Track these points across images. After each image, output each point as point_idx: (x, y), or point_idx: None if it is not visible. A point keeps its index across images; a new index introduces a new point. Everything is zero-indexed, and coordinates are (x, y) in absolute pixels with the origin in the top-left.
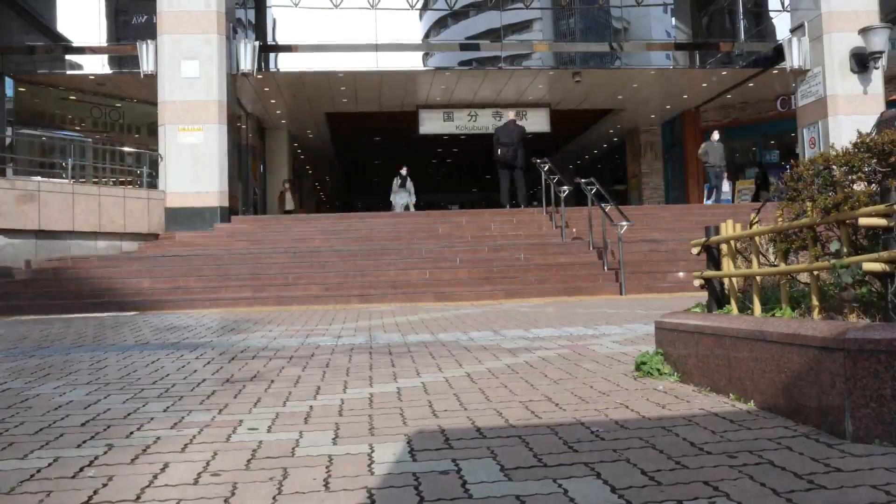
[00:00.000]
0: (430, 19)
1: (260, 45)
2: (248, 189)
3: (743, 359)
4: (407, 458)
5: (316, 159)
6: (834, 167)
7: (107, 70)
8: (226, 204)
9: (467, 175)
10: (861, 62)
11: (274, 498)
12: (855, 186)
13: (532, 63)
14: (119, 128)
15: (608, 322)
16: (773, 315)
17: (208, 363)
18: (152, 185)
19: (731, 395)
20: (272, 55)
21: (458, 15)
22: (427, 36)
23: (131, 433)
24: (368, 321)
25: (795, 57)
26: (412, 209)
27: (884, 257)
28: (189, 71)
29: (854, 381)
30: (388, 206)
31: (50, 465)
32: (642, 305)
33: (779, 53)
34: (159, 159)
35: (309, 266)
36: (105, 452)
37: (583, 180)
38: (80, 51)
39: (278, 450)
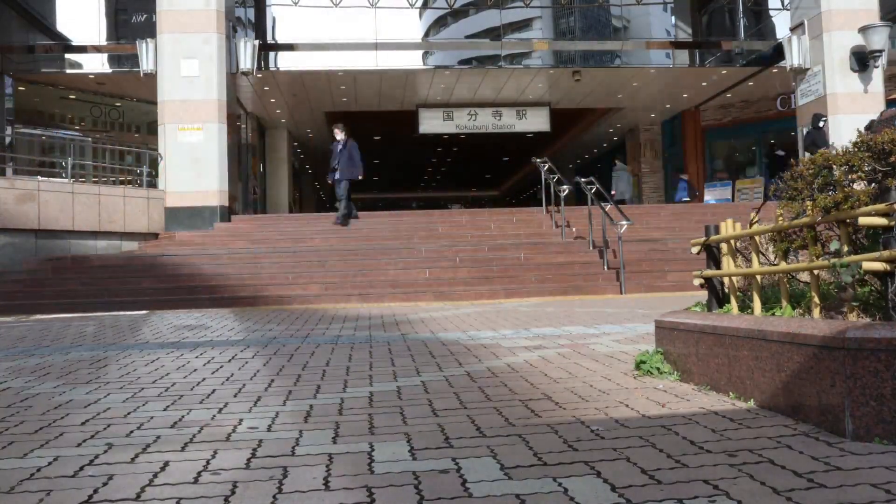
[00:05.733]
0: (430, 18)
1: (259, 44)
2: (247, 189)
3: (743, 357)
4: (407, 457)
5: (316, 159)
6: (834, 166)
7: (106, 69)
8: (226, 203)
9: (467, 174)
10: (861, 61)
11: (274, 497)
12: (855, 186)
13: (532, 62)
14: (119, 127)
15: (608, 321)
16: (774, 314)
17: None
18: (152, 184)
19: (730, 393)
20: (272, 54)
21: (457, 13)
22: (427, 35)
23: (131, 432)
24: (368, 320)
25: (795, 55)
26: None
27: (884, 256)
28: (189, 70)
29: (854, 380)
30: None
31: (50, 463)
32: (642, 304)
33: (779, 52)
34: (159, 158)
35: (308, 265)
36: (105, 451)
37: (582, 179)
38: (80, 50)
39: (278, 448)
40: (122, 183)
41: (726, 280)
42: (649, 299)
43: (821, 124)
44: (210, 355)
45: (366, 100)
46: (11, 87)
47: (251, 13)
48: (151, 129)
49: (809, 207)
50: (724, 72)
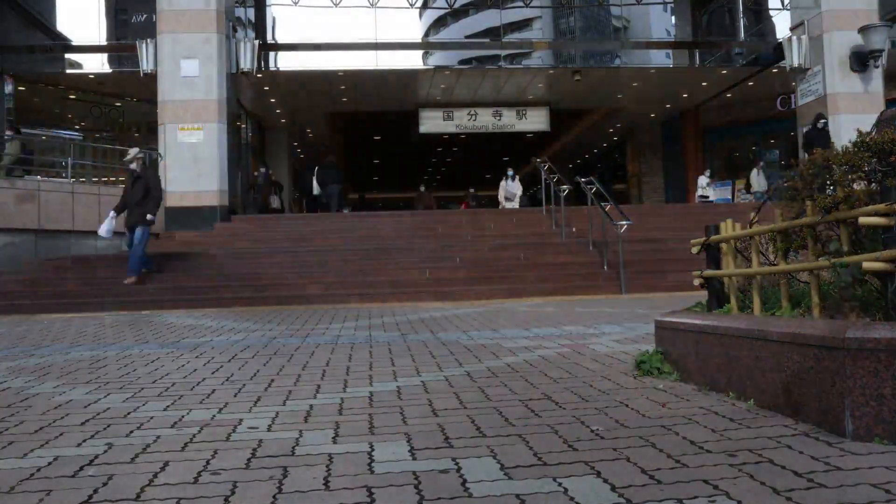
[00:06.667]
0: (430, 18)
1: (260, 44)
2: (248, 189)
3: (743, 357)
4: (407, 457)
5: (316, 159)
6: (834, 166)
7: (106, 69)
8: (226, 203)
9: (467, 174)
10: (861, 61)
11: (274, 497)
12: (855, 185)
13: (532, 62)
14: (119, 127)
15: (608, 321)
16: (773, 314)
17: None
18: None
19: (730, 393)
20: (272, 54)
21: (457, 13)
22: (427, 35)
23: (131, 432)
24: (368, 320)
25: (795, 56)
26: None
27: (884, 256)
28: (189, 70)
29: (854, 380)
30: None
31: (50, 463)
32: (642, 304)
33: (779, 52)
34: (159, 158)
35: (309, 265)
36: (105, 451)
37: (582, 179)
38: (80, 50)
39: (278, 448)
40: (122, 183)
41: (726, 280)
42: (649, 299)
43: (820, 125)
44: (210, 355)
45: (366, 100)
46: (11, 87)
47: (251, 13)
48: (151, 128)
49: (809, 207)
50: (723, 72)
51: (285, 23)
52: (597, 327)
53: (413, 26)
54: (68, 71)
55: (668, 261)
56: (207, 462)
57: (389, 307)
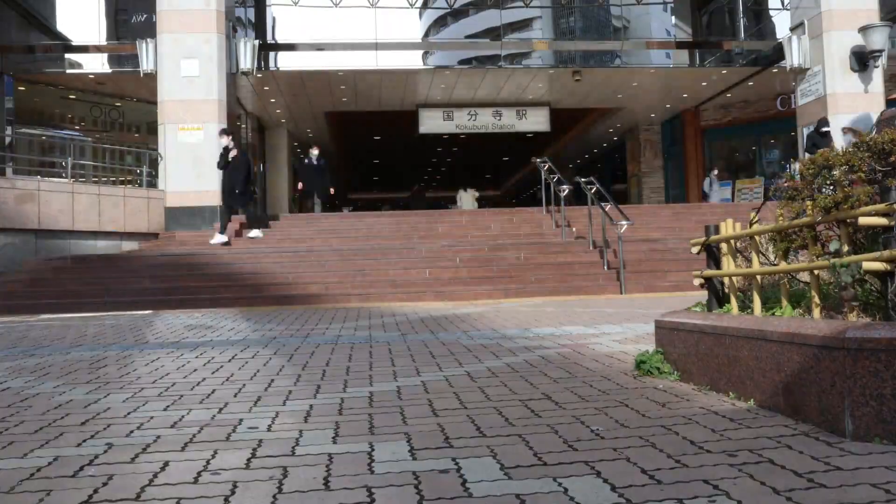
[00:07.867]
0: (430, 18)
1: (260, 44)
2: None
3: (743, 358)
4: (407, 457)
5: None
6: (834, 166)
7: (106, 69)
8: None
9: (467, 174)
10: (861, 61)
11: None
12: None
13: (532, 62)
14: (119, 127)
15: (608, 321)
16: (773, 314)
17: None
18: (152, 184)
19: (730, 393)
20: (272, 54)
21: (457, 13)
22: (427, 35)
23: (131, 432)
24: (368, 320)
25: (795, 55)
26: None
27: (884, 256)
28: (189, 70)
29: (854, 380)
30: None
31: (50, 463)
32: (642, 304)
33: (779, 52)
34: (159, 158)
35: (309, 265)
36: (105, 451)
37: (582, 179)
38: (80, 50)
39: (278, 448)
40: (122, 183)
41: (726, 280)
42: (649, 299)
43: (823, 130)
44: (210, 355)
45: (366, 100)
46: (11, 87)
47: (251, 13)
48: (152, 128)
49: (809, 207)
50: (723, 72)
51: (285, 23)
52: (597, 327)
53: (413, 26)
54: (68, 71)
55: (668, 261)
56: (207, 462)
57: (389, 307)
